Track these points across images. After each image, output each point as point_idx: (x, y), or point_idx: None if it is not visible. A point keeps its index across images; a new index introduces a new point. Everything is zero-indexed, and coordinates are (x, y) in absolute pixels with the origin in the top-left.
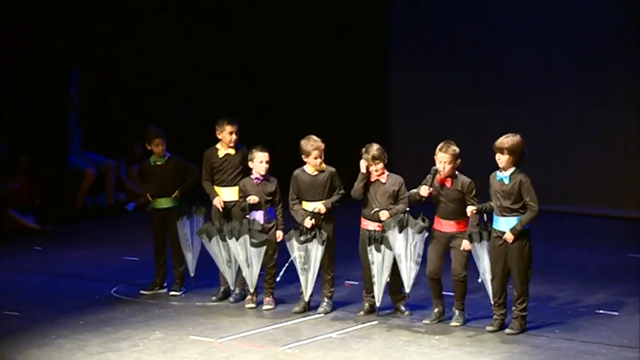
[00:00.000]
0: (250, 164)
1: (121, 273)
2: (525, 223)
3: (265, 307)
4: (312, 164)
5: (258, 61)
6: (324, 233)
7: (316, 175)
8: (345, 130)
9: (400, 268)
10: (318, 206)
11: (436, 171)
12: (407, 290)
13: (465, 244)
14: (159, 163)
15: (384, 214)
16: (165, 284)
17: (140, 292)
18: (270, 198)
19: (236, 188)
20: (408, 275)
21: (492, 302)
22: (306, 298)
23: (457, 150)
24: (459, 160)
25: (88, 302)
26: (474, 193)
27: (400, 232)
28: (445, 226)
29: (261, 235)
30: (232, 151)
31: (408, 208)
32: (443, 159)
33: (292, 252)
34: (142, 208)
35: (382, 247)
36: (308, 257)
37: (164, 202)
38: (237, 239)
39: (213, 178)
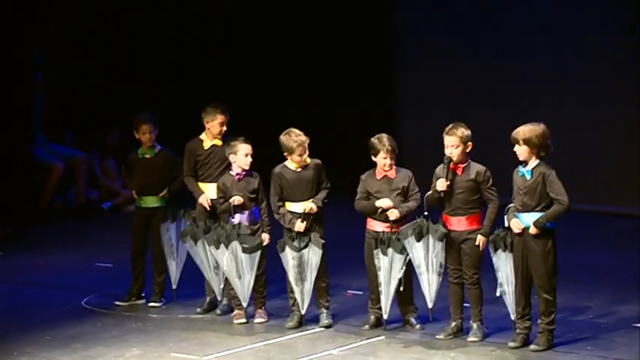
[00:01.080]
0: (232, 158)
1: (93, 281)
2: (552, 218)
3: (257, 320)
4: (296, 161)
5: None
6: (319, 237)
7: (300, 171)
8: (349, 119)
9: (421, 280)
10: (309, 205)
11: (450, 160)
12: (429, 305)
13: (480, 240)
14: (147, 155)
15: (392, 213)
16: (143, 294)
17: (115, 304)
18: (253, 196)
19: None
20: (430, 288)
21: (514, 315)
22: (303, 311)
23: (467, 132)
24: (470, 144)
25: (56, 315)
26: (490, 182)
27: (419, 240)
28: (454, 224)
29: (252, 239)
30: (219, 143)
31: (426, 212)
32: (450, 142)
33: (287, 264)
34: (119, 208)
35: (390, 250)
36: (304, 265)
37: (150, 201)
38: (226, 247)
39: (198, 174)
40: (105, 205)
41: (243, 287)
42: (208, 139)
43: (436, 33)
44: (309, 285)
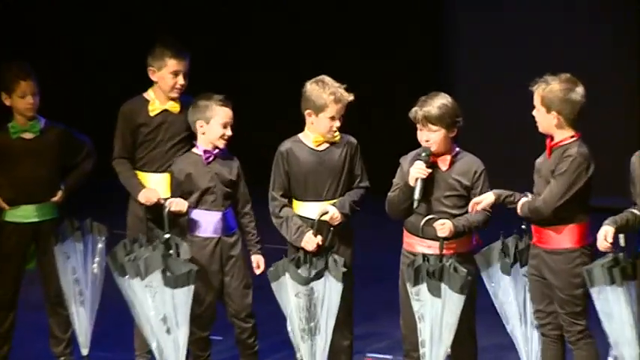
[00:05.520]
0: (200, 126)
1: None
2: None
3: None
4: (323, 130)
5: None
6: (339, 261)
7: (324, 150)
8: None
9: (515, 337)
10: (331, 211)
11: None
12: None
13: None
14: (27, 135)
15: (444, 228)
16: None
17: None
18: (229, 191)
19: None
20: (528, 351)
21: None
22: None
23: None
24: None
25: None
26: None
27: (505, 271)
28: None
29: (185, 265)
30: (176, 106)
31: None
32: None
33: (286, 303)
34: None
35: (443, 287)
36: (315, 307)
37: (31, 213)
38: (143, 277)
39: (136, 157)
40: None
41: (176, 348)
42: (158, 100)
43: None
44: (323, 341)
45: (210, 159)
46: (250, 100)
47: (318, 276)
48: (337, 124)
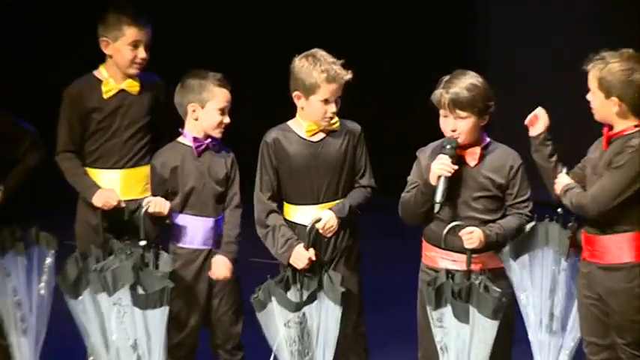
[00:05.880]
0: (192, 111)
1: None
2: None
3: None
4: (315, 116)
5: None
6: (336, 279)
7: (320, 141)
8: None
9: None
10: (322, 217)
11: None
12: None
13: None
14: None
15: (472, 238)
16: None
17: None
18: (222, 190)
19: (141, 171)
20: None
21: None
22: None
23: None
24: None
25: None
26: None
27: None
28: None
29: (160, 281)
30: (135, 85)
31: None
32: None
33: (274, 334)
34: None
35: (472, 310)
36: (308, 337)
37: None
38: (110, 293)
39: (86, 149)
40: None
41: None
42: (111, 80)
43: None
44: None
45: (201, 150)
46: (250, 81)
47: (311, 299)
48: (332, 108)
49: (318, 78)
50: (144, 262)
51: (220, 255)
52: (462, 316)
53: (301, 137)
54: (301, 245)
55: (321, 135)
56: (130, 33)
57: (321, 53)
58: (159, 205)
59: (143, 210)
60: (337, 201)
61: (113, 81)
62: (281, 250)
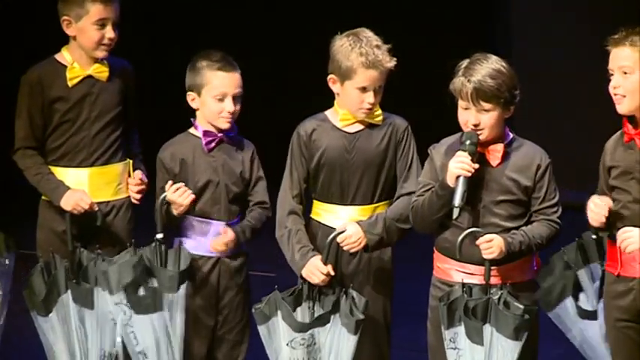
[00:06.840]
0: (192, 102)
1: None
2: None
3: None
4: (351, 105)
5: None
6: (359, 303)
7: (357, 133)
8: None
9: None
10: (347, 229)
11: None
12: None
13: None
14: None
15: (492, 246)
16: None
17: None
18: (237, 191)
19: (112, 170)
20: None
21: None
22: None
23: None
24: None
25: None
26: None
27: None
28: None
29: (171, 280)
30: (104, 70)
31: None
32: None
33: (279, 350)
34: None
35: (489, 330)
36: None
37: None
38: (113, 292)
39: (49, 145)
40: None
41: None
42: (76, 64)
43: None
44: None
45: (211, 145)
46: (270, 66)
47: (322, 321)
48: (370, 98)
49: (355, 61)
50: (161, 259)
51: (233, 229)
52: (475, 336)
53: (336, 127)
54: (318, 257)
55: (360, 126)
56: (95, 10)
57: (366, 34)
58: (180, 192)
59: (162, 196)
60: (369, 206)
61: (78, 66)
62: (295, 258)
